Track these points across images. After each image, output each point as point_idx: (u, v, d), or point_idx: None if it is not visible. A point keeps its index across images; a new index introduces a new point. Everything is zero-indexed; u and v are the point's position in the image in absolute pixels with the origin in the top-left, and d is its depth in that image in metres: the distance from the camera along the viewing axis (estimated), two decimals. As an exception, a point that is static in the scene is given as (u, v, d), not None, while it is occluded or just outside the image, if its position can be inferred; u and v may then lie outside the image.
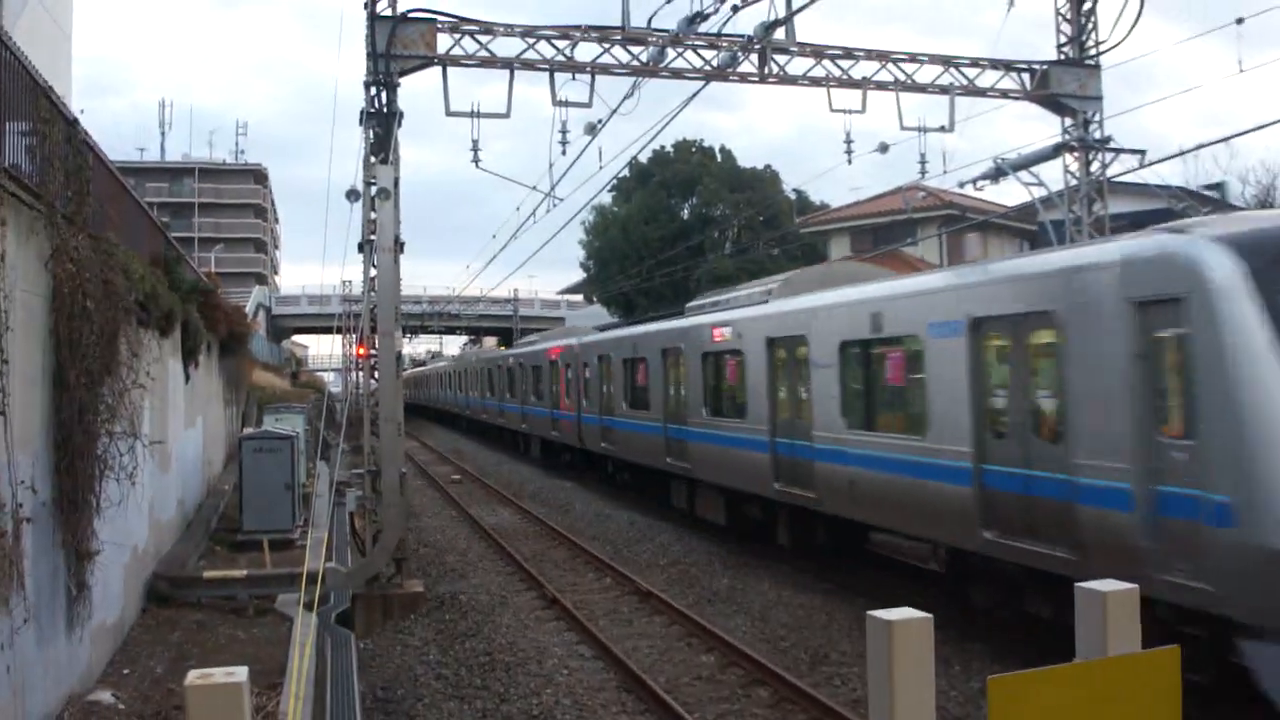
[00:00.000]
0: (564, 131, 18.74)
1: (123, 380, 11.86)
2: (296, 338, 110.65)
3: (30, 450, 9.34)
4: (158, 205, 62.77)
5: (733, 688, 12.63)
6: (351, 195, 18.08)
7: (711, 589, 17.71)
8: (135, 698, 10.65)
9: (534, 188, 22.16)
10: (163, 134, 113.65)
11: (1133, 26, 19.48)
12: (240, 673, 3.05)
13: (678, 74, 19.01)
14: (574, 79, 18.61)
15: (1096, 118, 21.03)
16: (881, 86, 20.06)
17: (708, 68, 18.97)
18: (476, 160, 18.94)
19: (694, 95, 18.94)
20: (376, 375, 17.75)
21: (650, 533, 23.21)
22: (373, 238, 17.36)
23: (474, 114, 18.47)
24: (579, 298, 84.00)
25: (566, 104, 18.56)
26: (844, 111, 20.10)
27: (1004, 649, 13.18)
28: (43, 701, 9.40)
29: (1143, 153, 20.43)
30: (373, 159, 17.51)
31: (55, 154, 10.50)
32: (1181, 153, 18.58)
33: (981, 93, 20.73)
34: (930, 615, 3.58)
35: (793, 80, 19.58)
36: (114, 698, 10.47)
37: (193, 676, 3.04)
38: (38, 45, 13.96)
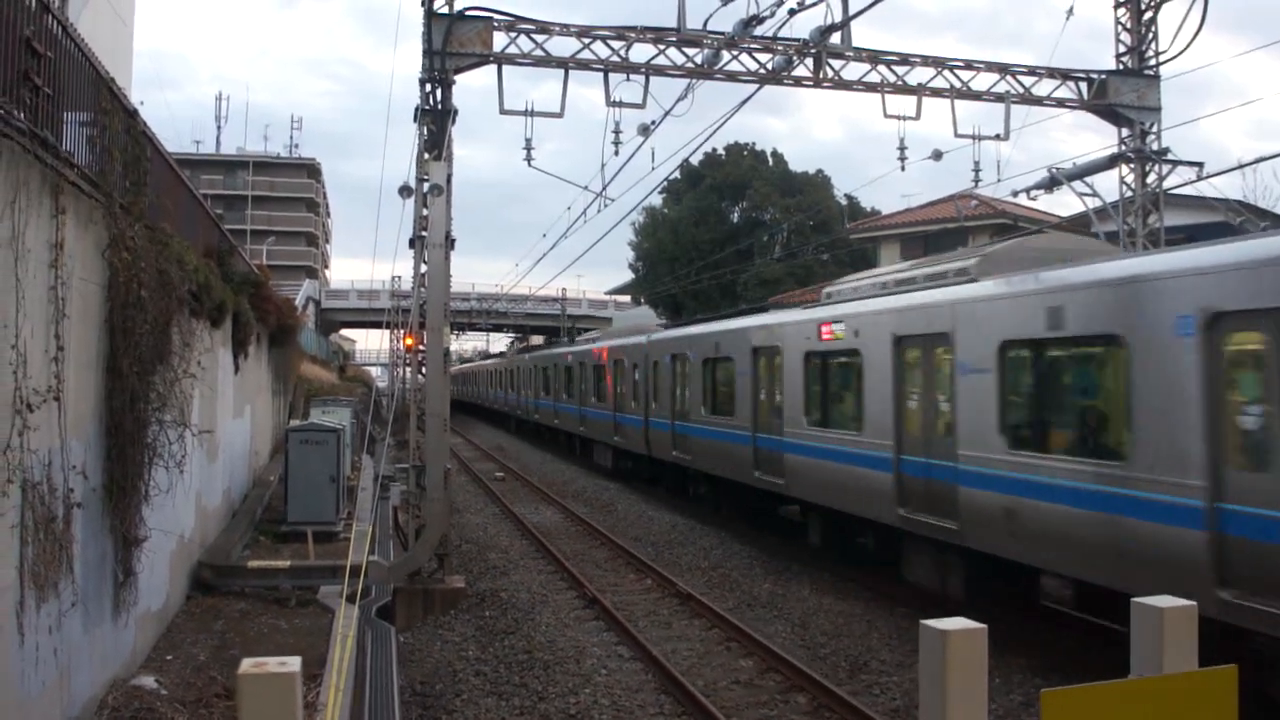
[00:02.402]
0: (617, 132, 18.78)
1: (174, 369, 12.00)
2: (345, 332, 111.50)
3: (82, 436, 9.45)
4: (212, 197, 63.43)
5: (771, 693, 12.57)
6: (404, 191, 18.19)
7: (752, 593, 17.65)
8: (178, 684, 10.75)
9: (585, 187, 22.22)
10: (219, 127, 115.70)
11: (1194, 37, 19.26)
12: (293, 663, 3.06)
13: (732, 76, 18.98)
14: (628, 79, 18.64)
15: (1154, 129, 20.79)
16: (936, 93, 19.94)
17: (762, 71, 18.92)
18: (529, 159, 19.01)
19: (748, 98, 19.02)
20: (424, 371, 17.83)
21: (692, 535, 23.18)
22: (424, 233, 17.43)
23: (528, 113, 18.53)
24: (626, 298, 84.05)
25: (620, 104, 18.59)
26: (898, 118, 20.00)
27: (1047, 663, 13.05)
28: (88, 684, 9.51)
29: (1200, 165, 20.18)
30: (426, 155, 17.59)
31: (115, 144, 10.62)
32: (1240, 165, 18.38)
33: (1038, 101, 20.56)
34: (984, 626, 3.53)
35: (847, 85, 19.51)
36: (157, 683, 10.57)
37: (246, 665, 3.05)
38: (99, 37, 14.13)
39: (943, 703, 3.41)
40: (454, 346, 21.30)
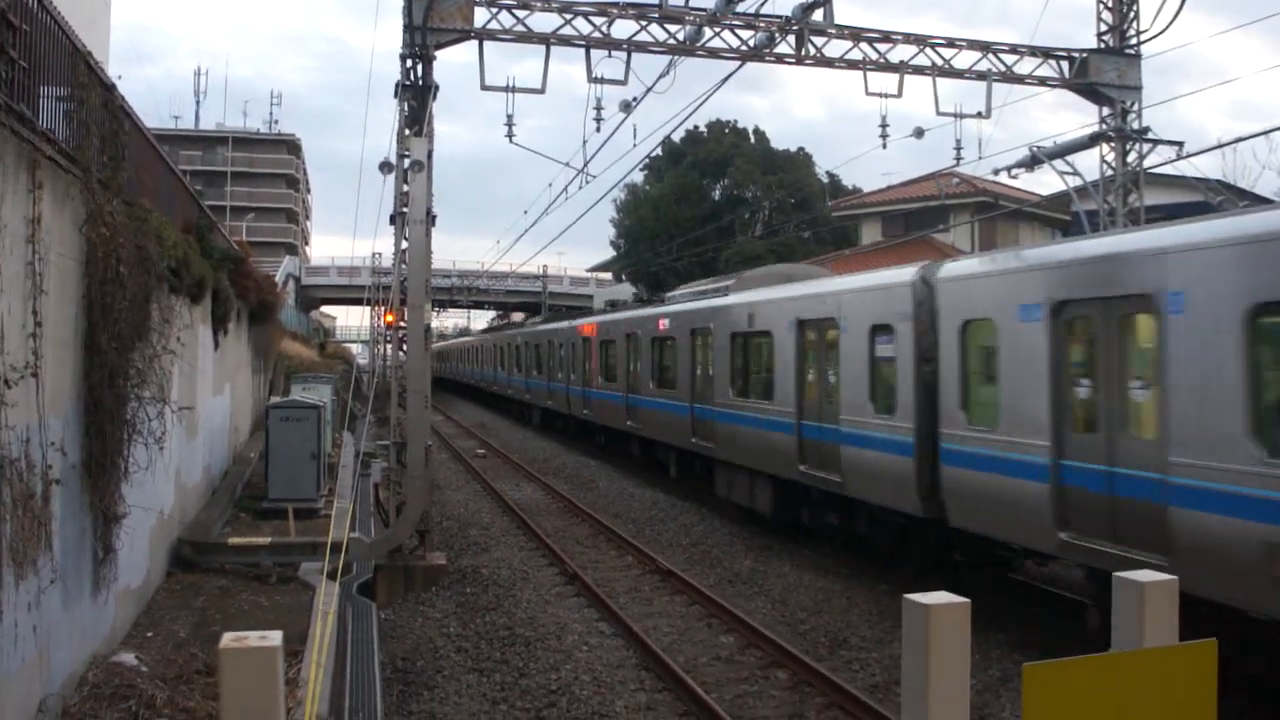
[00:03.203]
0: (599, 108, 18.74)
1: (153, 345, 11.93)
2: (325, 309, 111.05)
3: (60, 413, 9.39)
4: (191, 173, 63.08)
5: (751, 669, 12.64)
6: (385, 167, 18.11)
7: (733, 570, 17.71)
8: (158, 660, 10.72)
9: (567, 164, 22.18)
10: (198, 102, 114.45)
11: (1175, 16, 19.29)
12: (274, 637, 3.05)
13: (714, 53, 18.94)
14: (610, 56, 18.60)
15: (1135, 107, 20.85)
16: (918, 71, 19.96)
17: (744, 48, 18.88)
18: (510, 135, 18.95)
19: (730, 75, 18.94)
20: (405, 348, 17.79)
21: (673, 512, 23.22)
22: (405, 210, 17.37)
23: (509, 89, 18.47)
24: (608, 275, 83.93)
25: (602, 81, 18.54)
26: (880, 95, 20.01)
27: (1024, 639, 13.14)
28: (68, 661, 9.48)
29: (1180, 144, 20.23)
30: (407, 131, 17.51)
31: (92, 119, 10.52)
32: (1220, 145, 18.53)
33: (1019, 80, 20.60)
34: (968, 600, 3.55)
35: (829, 62, 19.50)
36: (137, 660, 10.54)
37: (227, 640, 3.04)
38: (76, 10, 13.97)
39: (925, 677, 3.43)
40: (435, 324, 21.20)
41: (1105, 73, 20.67)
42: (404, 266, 17.64)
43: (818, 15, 18.55)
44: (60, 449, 9.15)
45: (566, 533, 21.23)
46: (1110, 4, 21.05)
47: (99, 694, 9.39)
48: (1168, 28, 19.60)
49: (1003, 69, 20.41)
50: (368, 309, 66.26)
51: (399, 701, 11.66)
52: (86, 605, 10.23)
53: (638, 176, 67.73)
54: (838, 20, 19.25)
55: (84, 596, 10.15)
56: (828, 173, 64.76)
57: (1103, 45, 21.03)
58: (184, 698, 9.44)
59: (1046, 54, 20.71)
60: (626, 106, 18.77)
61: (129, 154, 12.16)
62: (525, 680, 12.27)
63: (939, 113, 20.54)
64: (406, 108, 17.71)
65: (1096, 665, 3.62)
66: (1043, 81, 20.76)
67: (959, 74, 20.26)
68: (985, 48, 20.39)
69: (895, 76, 19.83)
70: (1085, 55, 20.69)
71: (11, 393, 7.76)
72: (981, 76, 20.31)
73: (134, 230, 11.36)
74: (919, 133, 21.18)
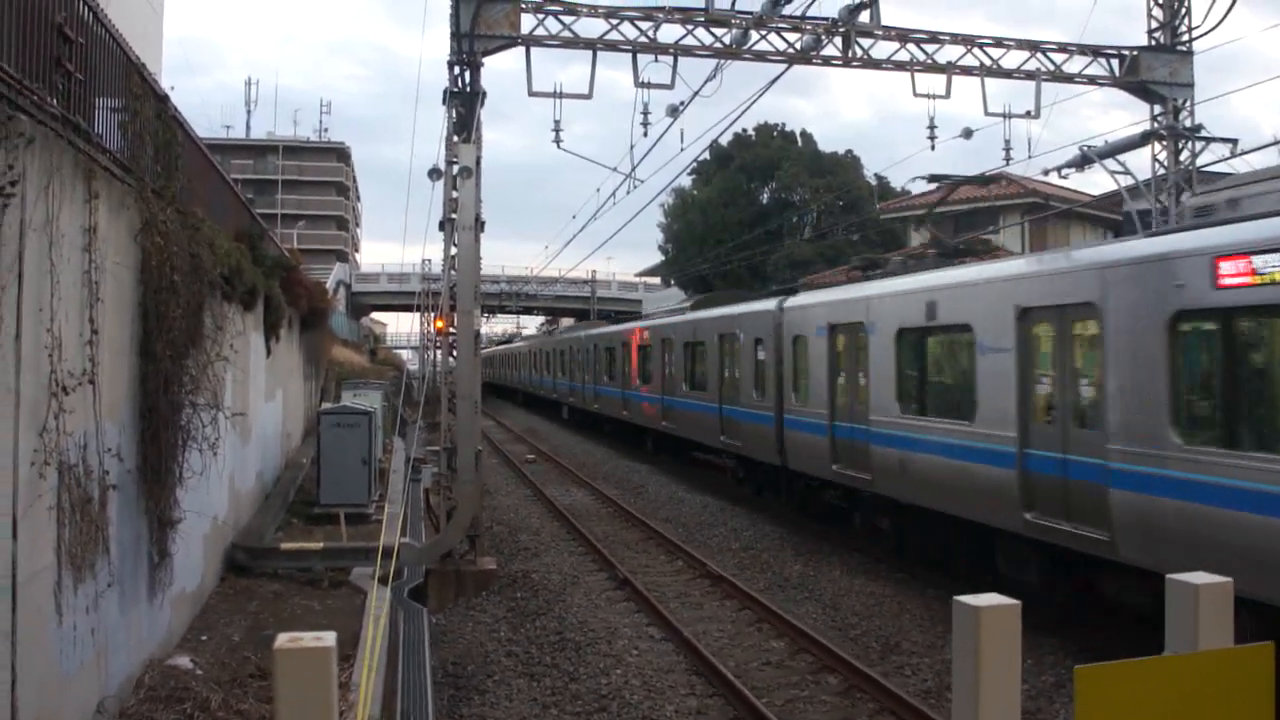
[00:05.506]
0: (645, 113, 18.73)
1: (207, 352, 12.06)
2: (375, 315, 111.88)
3: (117, 419, 9.52)
4: (242, 181, 63.68)
5: (802, 674, 12.58)
6: (434, 174, 18.23)
7: (783, 575, 17.65)
8: (213, 664, 10.85)
9: (614, 169, 22.22)
10: (248, 112, 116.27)
11: (1228, 11, 19.03)
12: (328, 638, 3.08)
13: (761, 56, 18.89)
14: (656, 60, 18.58)
15: (1187, 105, 20.58)
16: (966, 71, 19.80)
17: (791, 50, 18.82)
18: (558, 141, 19.01)
19: (777, 78, 18.90)
20: (455, 353, 17.88)
21: (723, 517, 23.17)
22: (454, 216, 17.45)
23: (556, 94, 18.51)
24: (656, 280, 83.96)
25: (648, 85, 18.54)
26: (928, 96, 19.85)
27: (1078, 644, 13.00)
28: (125, 664, 9.61)
29: (1235, 141, 19.95)
30: (455, 138, 17.60)
31: (146, 130, 10.68)
32: (1276, 141, 18.09)
33: (1069, 79, 20.39)
34: (1018, 602, 3.52)
35: (877, 64, 19.38)
36: (192, 663, 10.67)
37: (282, 640, 3.07)
38: (130, 23, 14.18)
39: (976, 679, 3.40)
40: (484, 329, 21.24)
41: (1156, 70, 20.41)
42: (453, 272, 17.72)
43: (864, 17, 18.47)
44: (117, 455, 9.28)
45: (616, 538, 21.23)
46: (1161, 0, 20.80)
47: (155, 696, 9.51)
48: (1220, 24, 19.36)
49: (1052, 68, 20.22)
50: (418, 315, 66.64)
51: (450, 705, 11.71)
52: (143, 609, 10.37)
53: (685, 181, 67.82)
54: (884, 21, 19.14)
55: (140, 600, 10.28)
56: (875, 175, 64.48)
57: (1154, 42, 20.77)
58: (238, 700, 9.54)
59: (1096, 52, 20.49)
60: (673, 111, 18.79)
61: (182, 163, 12.31)
62: (575, 685, 12.28)
63: (987, 113, 20.37)
64: (454, 114, 17.79)
65: (1150, 668, 3.58)
66: (1093, 80, 20.54)
67: (1007, 74, 20.09)
68: (1034, 47, 20.21)
69: (943, 77, 19.68)
70: (1136, 53, 20.45)
71: (69, 399, 7.87)
72: (1030, 76, 20.13)
73: (187, 238, 11.50)
74: (968, 133, 21.04)
